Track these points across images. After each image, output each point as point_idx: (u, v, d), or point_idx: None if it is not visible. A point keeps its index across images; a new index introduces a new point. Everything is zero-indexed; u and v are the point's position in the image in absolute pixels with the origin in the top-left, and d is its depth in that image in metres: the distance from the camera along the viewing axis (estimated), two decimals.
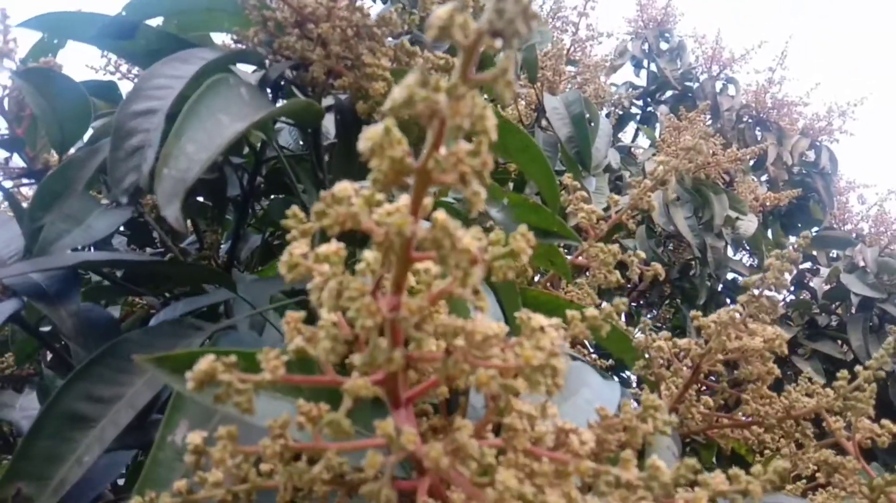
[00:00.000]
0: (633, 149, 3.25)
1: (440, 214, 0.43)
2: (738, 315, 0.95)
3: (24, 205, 1.25)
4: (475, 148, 0.38)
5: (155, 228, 1.28)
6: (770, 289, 1.06)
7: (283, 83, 0.96)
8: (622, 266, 1.16)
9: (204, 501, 0.55)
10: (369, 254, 0.45)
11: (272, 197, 1.40)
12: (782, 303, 3.13)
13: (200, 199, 1.37)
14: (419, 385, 0.52)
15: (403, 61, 0.89)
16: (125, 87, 1.26)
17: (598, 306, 1.13)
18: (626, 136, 3.61)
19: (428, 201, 0.43)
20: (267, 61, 0.89)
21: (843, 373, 0.95)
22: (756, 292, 1.04)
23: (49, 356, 1.27)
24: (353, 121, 0.91)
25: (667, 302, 3.04)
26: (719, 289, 2.88)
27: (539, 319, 0.51)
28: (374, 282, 0.44)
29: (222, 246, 1.47)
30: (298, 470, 0.49)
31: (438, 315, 0.49)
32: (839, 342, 2.70)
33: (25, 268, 0.81)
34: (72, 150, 1.08)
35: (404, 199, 0.42)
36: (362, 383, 0.43)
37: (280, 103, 0.82)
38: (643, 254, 1.13)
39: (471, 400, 0.62)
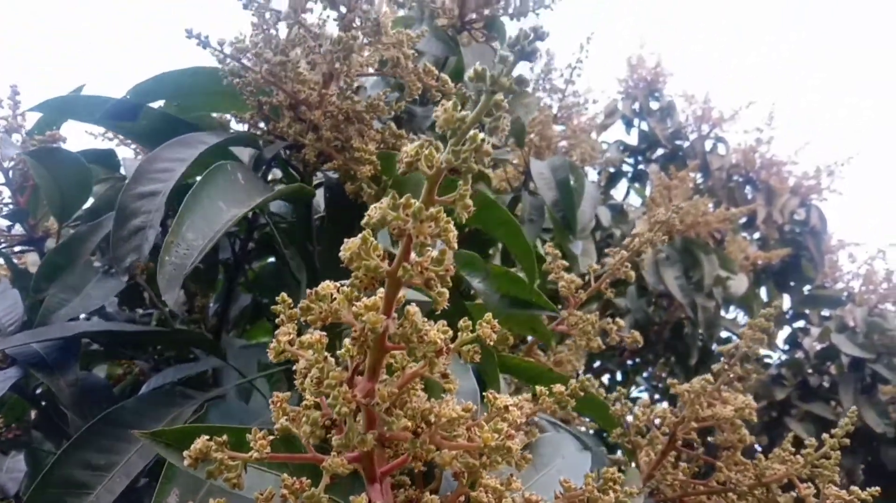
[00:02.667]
0: (624, 206, 3.31)
1: (411, 308, 0.48)
2: (709, 385, 0.99)
3: (23, 267, 1.30)
4: (439, 257, 0.43)
5: (146, 289, 1.32)
6: (747, 356, 1.10)
7: (276, 159, 1.02)
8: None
9: None
10: (348, 343, 0.49)
11: (263, 260, 1.45)
12: (776, 361, 3.15)
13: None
14: (394, 460, 0.56)
15: (390, 143, 0.95)
16: (123, 153, 1.32)
17: (577, 374, 1.17)
18: (618, 192, 3.68)
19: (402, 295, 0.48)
20: (262, 142, 0.95)
21: (812, 441, 0.98)
22: (729, 361, 1.08)
23: (34, 414, 1.29)
24: (341, 197, 0.96)
25: (661, 360, 3.06)
26: (713, 347, 2.91)
27: (504, 399, 0.56)
28: (352, 370, 0.48)
29: (212, 306, 1.50)
30: None
31: (414, 391, 0.53)
32: (832, 403, 2.71)
33: (27, 338, 0.85)
34: (76, 212, 1.14)
35: (380, 294, 0.46)
36: (339, 462, 0.47)
37: (276, 187, 0.87)
38: (622, 322, 1.17)
39: (444, 472, 0.66)
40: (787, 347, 3.28)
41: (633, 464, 1.02)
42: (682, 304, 2.57)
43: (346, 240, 0.42)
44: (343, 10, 0.91)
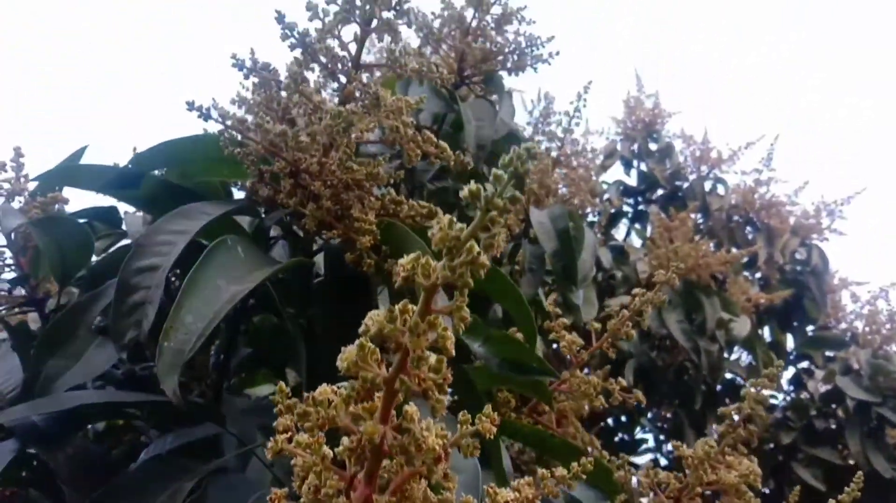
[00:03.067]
0: (625, 247, 3.31)
1: (410, 409, 0.48)
2: (713, 450, 0.98)
3: (24, 324, 1.29)
4: (436, 365, 0.43)
5: (146, 348, 1.31)
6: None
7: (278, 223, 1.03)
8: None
9: None
10: (347, 445, 0.49)
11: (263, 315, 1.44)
12: (780, 402, 3.12)
13: None
14: None
15: (390, 209, 0.96)
16: (124, 205, 1.33)
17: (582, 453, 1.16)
18: (619, 232, 3.69)
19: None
20: (262, 210, 0.96)
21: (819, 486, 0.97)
22: (733, 422, 1.07)
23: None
24: (341, 261, 0.96)
25: (666, 401, 3.03)
26: (718, 388, 2.89)
27: (505, 494, 0.55)
28: (350, 476, 0.48)
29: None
30: None
31: (416, 484, 0.53)
32: (839, 447, 2.68)
33: (26, 411, 0.84)
34: (77, 274, 1.14)
35: (377, 400, 0.46)
36: None
37: (276, 255, 0.88)
38: (624, 382, 1.17)
39: None
40: (791, 388, 3.26)
41: None
42: (684, 348, 2.56)
43: (343, 348, 0.42)
44: (343, 80, 0.92)
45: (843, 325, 3.27)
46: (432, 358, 0.42)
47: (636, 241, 3.50)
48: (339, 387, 0.47)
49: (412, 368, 0.42)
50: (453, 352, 0.43)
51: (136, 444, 1.24)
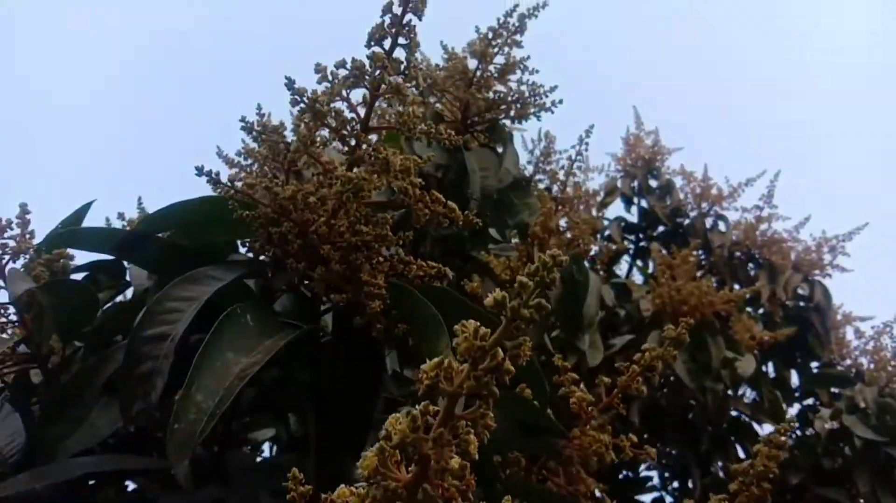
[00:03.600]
0: (628, 284, 3.30)
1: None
2: None
3: (21, 376, 1.28)
4: (459, 471, 0.42)
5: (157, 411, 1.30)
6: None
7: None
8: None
9: None
10: None
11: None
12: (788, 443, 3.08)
13: None
14: None
15: (399, 269, 0.95)
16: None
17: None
18: (620, 268, 3.69)
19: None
20: (270, 271, 0.96)
21: None
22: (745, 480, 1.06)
23: None
24: (349, 324, 0.95)
25: (671, 441, 2.99)
26: (723, 426, 2.85)
27: None
28: None
29: None
30: None
31: None
32: (847, 486, 2.64)
33: (28, 481, 0.83)
34: (81, 331, 1.13)
35: None
36: None
37: (285, 327, 0.87)
38: (635, 438, 1.15)
39: None
40: (797, 425, 3.23)
41: None
42: (689, 388, 2.54)
43: (363, 454, 0.42)
44: (352, 143, 0.93)
45: (848, 362, 3.25)
46: (454, 462, 0.41)
47: (638, 278, 3.49)
48: (356, 487, 0.46)
49: (435, 476, 0.41)
50: (476, 456, 0.42)
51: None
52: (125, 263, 1.25)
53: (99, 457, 0.93)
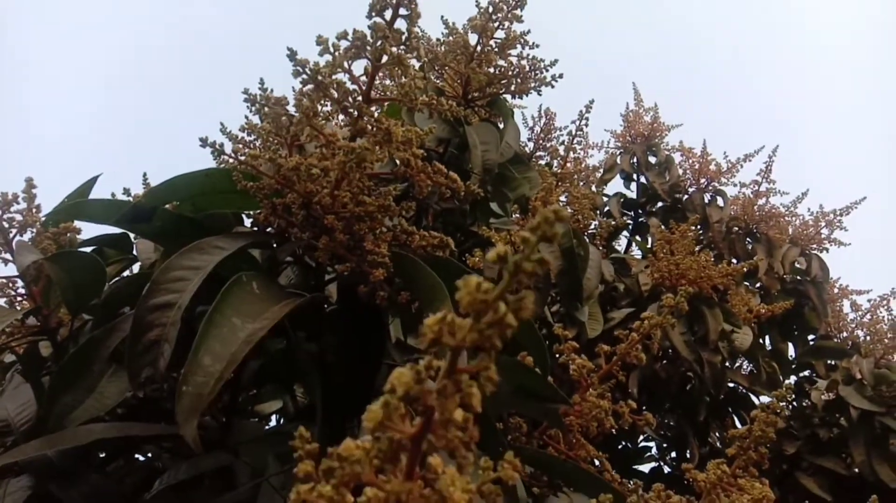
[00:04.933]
0: (627, 259, 3.32)
1: (435, 460, 0.48)
2: (725, 474, 0.99)
3: (31, 348, 1.30)
4: (463, 423, 0.44)
5: (165, 381, 1.32)
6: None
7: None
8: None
9: None
10: (370, 493, 0.49)
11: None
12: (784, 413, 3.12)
13: None
14: None
15: (402, 239, 0.97)
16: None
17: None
18: (619, 244, 3.71)
19: None
20: (275, 242, 0.97)
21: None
22: (743, 444, 1.08)
23: None
24: (353, 293, 0.97)
25: (669, 411, 3.03)
26: (721, 397, 2.89)
27: None
28: None
29: None
30: None
31: None
32: (843, 456, 2.68)
33: (40, 447, 0.85)
34: (89, 303, 1.15)
35: (403, 460, 0.47)
36: None
37: (291, 295, 0.88)
38: (634, 404, 1.17)
39: None
40: (793, 396, 3.26)
41: None
42: (687, 360, 2.57)
43: (368, 407, 0.43)
44: (355, 114, 0.93)
45: (844, 334, 3.28)
46: (458, 414, 0.43)
47: (637, 254, 3.51)
48: (362, 442, 0.48)
49: (439, 428, 0.42)
50: (480, 409, 0.44)
51: (149, 471, 1.24)
52: (132, 237, 1.27)
53: (108, 424, 0.95)
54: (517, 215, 1.80)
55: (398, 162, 0.93)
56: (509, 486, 0.85)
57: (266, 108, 0.95)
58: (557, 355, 1.24)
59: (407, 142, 0.93)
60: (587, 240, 2.00)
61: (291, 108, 1.03)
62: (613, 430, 1.17)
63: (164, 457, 1.22)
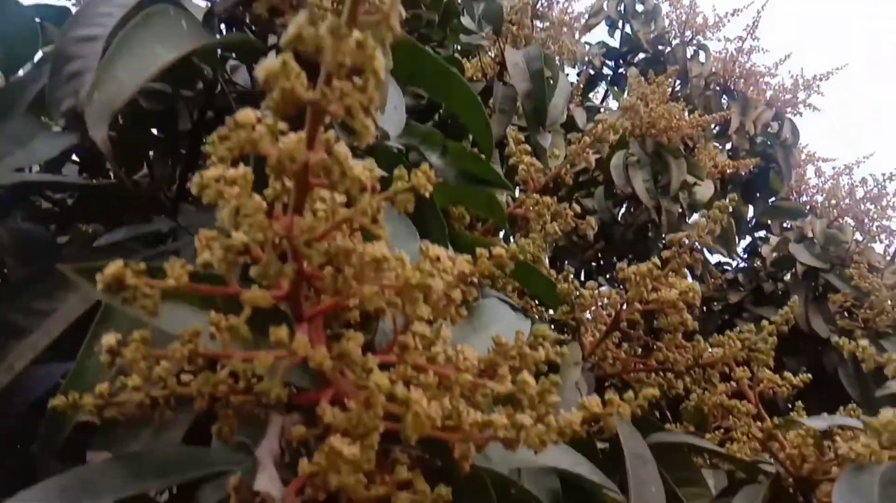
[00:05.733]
0: (602, 109, 3.28)
1: (339, 147, 0.47)
2: (656, 269, 1.01)
3: None
4: (362, 84, 0.42)
5: (108, 160, 1.29)
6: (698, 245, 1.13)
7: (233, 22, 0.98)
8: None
9: (125, 404, 0.60)
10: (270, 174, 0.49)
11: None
12: (733, 269, 3.23)
13: (154, 132, 1.38)
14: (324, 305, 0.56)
15: None
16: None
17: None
18: (597, 96, 3.64)
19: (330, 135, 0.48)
20: None
21: (749, 326, 1.02)
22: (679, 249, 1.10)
23: None
24: (299, 62, 0.93)
25: (624, 258, 3.11)
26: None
27: (436, 249, 0.56)
28: (278, 207, 0.48)
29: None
30: (207, 375, 0.54)
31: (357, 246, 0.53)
32: (784, 309, 2.80)
33: None
34: (22, 66, 1.10)
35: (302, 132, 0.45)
36: (260, 294, 0.48)
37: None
38: (578, 208, 1.18)
39: (381, 325, 0.67)
40: (746, 256, 3.36)
41: (576, 342, 1.05)
42: (647, 208, 2.60)
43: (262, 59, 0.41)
44: None
45: (805, 199, 3.34)
46: (351, 48, 0.40)
47: (613, 105, 3.46)
48: (263, 116, 0.46)
49: (335, 81, 0.40)
50: (382, 76, 0.42)
51: (88, 243, 1.24)
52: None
53: (37, 174, 0.93)
54: (488, 27, 1.73)
55: None
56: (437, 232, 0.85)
57: None
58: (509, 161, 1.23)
59: None
60: (558, 67, 1.94)
61: None
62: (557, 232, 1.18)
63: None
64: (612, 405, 0.54)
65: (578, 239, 2.77)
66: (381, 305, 0.48)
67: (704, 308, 2.87)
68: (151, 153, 1.43)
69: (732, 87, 3.38)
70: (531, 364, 0.61)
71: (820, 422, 0.89)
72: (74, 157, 1.33)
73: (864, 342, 0.90)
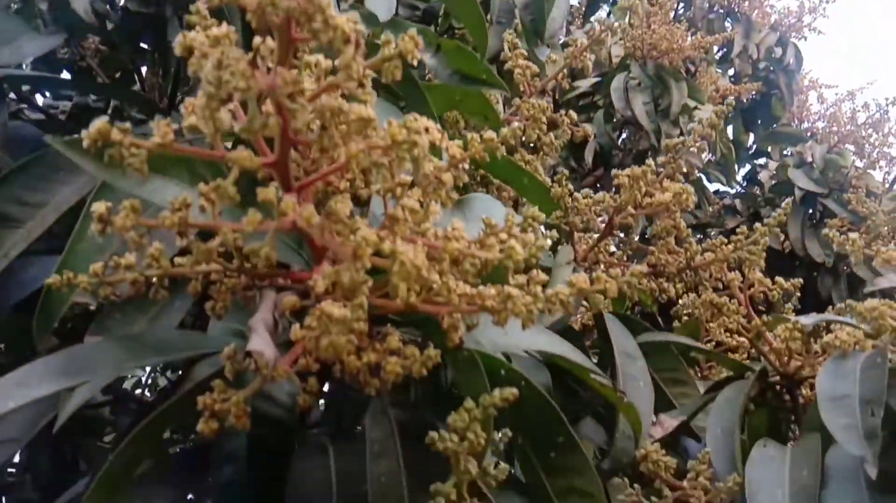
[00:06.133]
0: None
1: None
2: (650, 172, 1.01)
3: None
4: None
5: (98, 74, 1.27)
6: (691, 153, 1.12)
7: None
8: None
9: (119, 283, 0.60)
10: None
11: None
12: (731, 195, 3.22)
13: (144, 45, 1.36)
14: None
15: None
16: None
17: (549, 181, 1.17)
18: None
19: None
20: None
21: (743, 229, 1.03)
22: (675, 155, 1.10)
23: None
24: None
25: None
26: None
27: (424, 121, 0.55)
28: (253, 54, 0.47)
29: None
30: (198, 246, 0.54)
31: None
32: (780, 235, 2.80)
33: None
34: None
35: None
36: (246, 154, 0.47)
37: None
38: (574, 115, 1.17)
39: (371, 208, 0.67)
40: (745, 184, 3.35)
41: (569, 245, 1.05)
42: (647, 133, 2.57)
43: None
44: None
45: (806, 125, 3.30)
46: None
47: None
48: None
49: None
50: None
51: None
52: None
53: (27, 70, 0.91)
54: None
55: None
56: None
57: None
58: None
59: None
60: None
61: None
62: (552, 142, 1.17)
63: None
64: (599, 281, 0.54)
65: (577, 165, 2.76)
66: (368, 164, 0.48)
67: (701, 236, 2.88)
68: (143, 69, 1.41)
69: (736, 10, 3.30)
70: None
71: (808, 319, 0.91)
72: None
73: (853, 235, 0.91)
